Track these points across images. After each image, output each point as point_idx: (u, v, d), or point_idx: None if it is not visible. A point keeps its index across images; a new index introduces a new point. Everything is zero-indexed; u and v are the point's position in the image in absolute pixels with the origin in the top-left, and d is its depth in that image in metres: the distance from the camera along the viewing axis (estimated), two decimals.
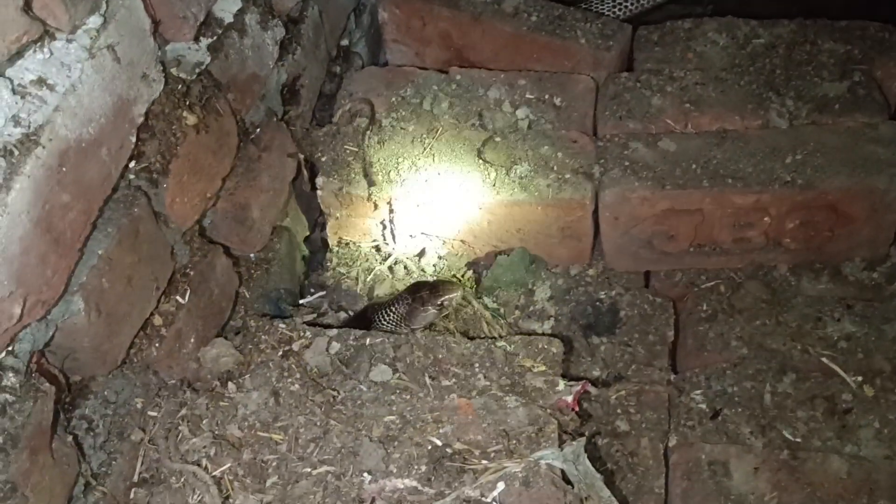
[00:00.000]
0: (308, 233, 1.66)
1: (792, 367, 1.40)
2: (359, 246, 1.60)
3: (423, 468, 1.06)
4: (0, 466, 0.89)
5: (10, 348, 0.93)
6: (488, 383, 1.18)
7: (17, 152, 0.91)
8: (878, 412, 1.32)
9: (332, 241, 1.61)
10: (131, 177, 1.13)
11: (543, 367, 1.20)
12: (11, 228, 0.89)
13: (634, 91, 1.58)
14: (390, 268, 1.57)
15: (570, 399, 1.16)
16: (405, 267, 1.57)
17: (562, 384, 1.17)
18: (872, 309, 1.44)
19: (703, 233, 1.50)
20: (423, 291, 1.29)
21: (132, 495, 1.09)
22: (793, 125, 1.48)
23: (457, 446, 1.09)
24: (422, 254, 1.59)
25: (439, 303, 1.26)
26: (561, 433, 1.13)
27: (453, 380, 1.18)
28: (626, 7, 1.94)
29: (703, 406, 1.38)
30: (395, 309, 1.28)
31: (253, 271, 1.46)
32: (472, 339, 1.26)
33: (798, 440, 1.31)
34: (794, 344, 1.42)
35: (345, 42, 1.84)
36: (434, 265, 1.58)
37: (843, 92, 1.51)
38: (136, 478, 1.10)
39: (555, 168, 1.47)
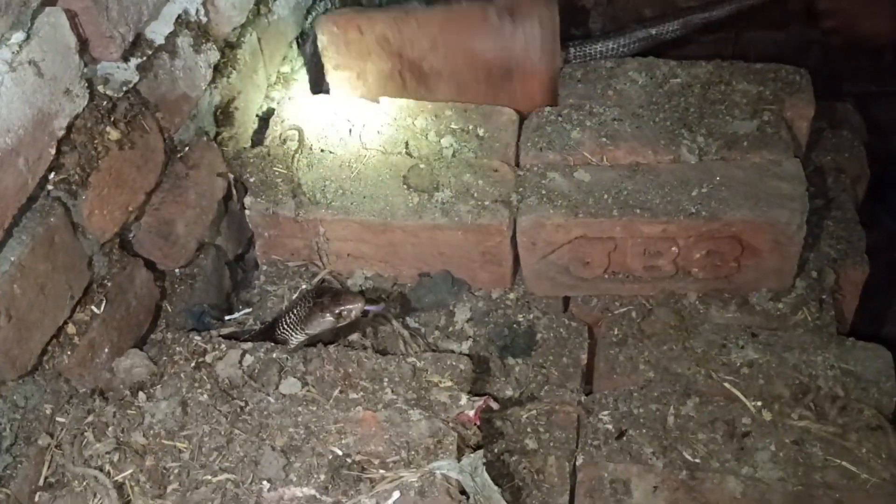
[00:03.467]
0: (239, 251, 1.70)
1: (696, 391, 1.46)
2: (287, 265, 1.64)
3: (322, 477, 1.09)
4: None
5: None
6: (395, 397, 1.21)
7: None
8: (775, 436, 1.38)
9: (260, 260, 1.65)
10: (49, 188, 1.17)
11: (450, 383, 1.24)
12: None
13: (556, 124, 1.64)
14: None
15: (472, 413, 1.20)
16: (329, 286, 1.61)
17: (464, 398, 1.21)
18: (776, 338, 1.50)
19: (616, 260, 1.55)
20: (325, 297, 1.30)
21: (37, 498, 1.10)
22: (702, 160, 1.55)
23: (357, 457, 1.12)
24: (349, 275, 1.63)
25: (338, 311, 1.27)
26: (461, 446, 1.17)
27: (361, 393, 1.22)
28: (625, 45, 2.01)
29: (610, 426, 1.43)
30: (296, 311, 1.30)
31: (177, 286, 1.48)
32: (384, 355, 1.30)
33: (697, 461, 1.36)
34: (699, 369, 1.48)
35: (285, 69, 1.89)
36: (361, 285, 1.62)
37: (752, 130, 1.59)
38: (41, 482, 1.12)
39: (475, 195, 1.52)
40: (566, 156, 1.59)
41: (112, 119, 1.27)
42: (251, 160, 1.59)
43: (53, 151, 1.15)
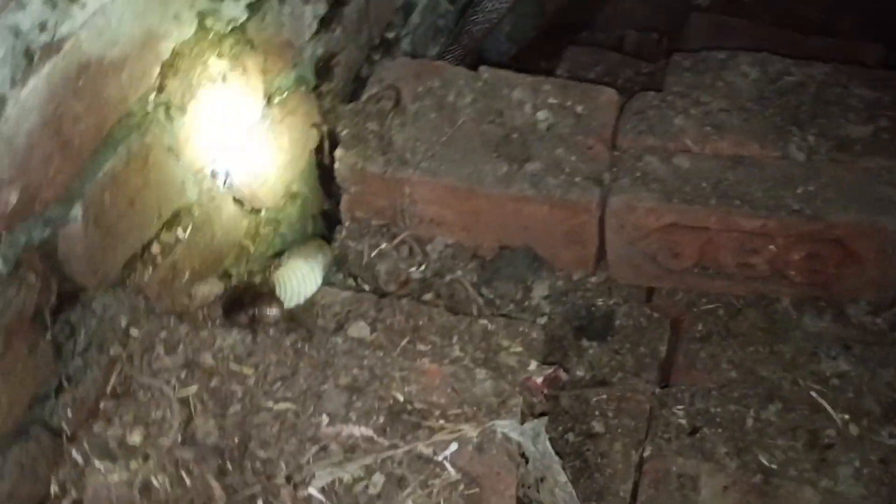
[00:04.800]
0: (325, 206, 1.71)
1: (779, 396, 1.38)
2: (369, 223, 1.63)
3: (381, 419, 1.08)
4: None
5: (3, 237, 0.98)
6: (462, 355, 1.19)
7: (37, 55, 0.96)
8: (861, 452, 1.29)
9: (344, 216, 1.65)
10: (150, 108, 1.19)
11: (520, 349, 1.21)
12: (20, 122, 0.94)
13: (659, 110, 1.59)
14: (396, 247, 1.59)
15: (539, 380, 1.16)
16: (410, 249, 1.59)
17: (533, 364, 1.17)
18: (871, 352, 1.41)
19: (707, 254, 1.49)
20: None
21: (101, 405, 1.12)
22: (811, 159, 1.48)
23: (417, 405, 1.10)
24: (430, 240, 1.61)
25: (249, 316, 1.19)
26: (525, 412, 1.13)
27: (429, 346, 1.20)
28: None
29: (684, 422, 1.36)
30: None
31: (262, 228, 1.50)
32: (455, 314, 1.28)
33: (773, 467, 1.29)
34: (785, 374, 1.40)
35: (390, 35, 1.90)
36: (440, 252, 1.60)
37: (866, 135, 1.50)
38: (108, 389, 1.14)
39: (566, 170, 1.49)
40: (666, 141, 1.54)
41: (217, 52, 1.29)
42: (346, 114, 1.60)
43: (157, 73, 1.17)
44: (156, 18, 1.15)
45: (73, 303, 1.12)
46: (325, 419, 1.08)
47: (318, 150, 1.63)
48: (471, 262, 1.60)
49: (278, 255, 1.49)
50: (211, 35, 1.28)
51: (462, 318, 1.25)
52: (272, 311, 1.21)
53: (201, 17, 1.26)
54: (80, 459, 1.07)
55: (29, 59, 0.95)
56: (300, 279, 1.36)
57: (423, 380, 1.13)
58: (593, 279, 1.58)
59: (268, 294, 1.26)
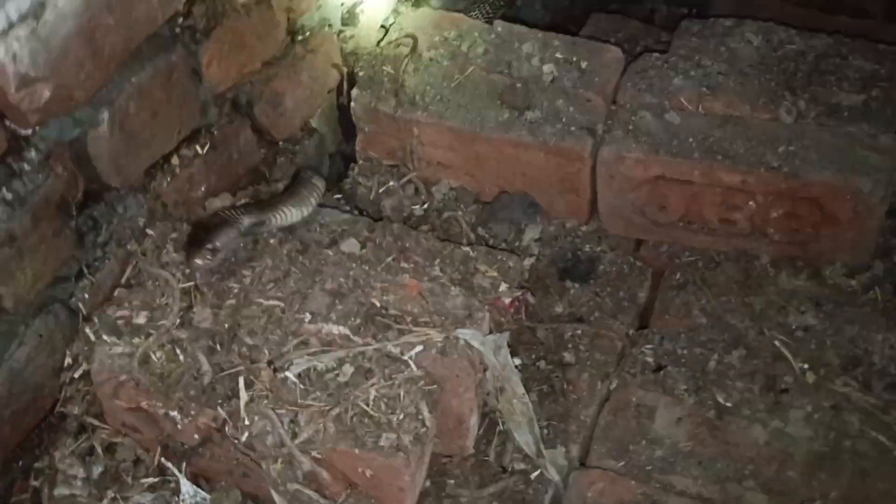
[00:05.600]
0: (342, 148, 1.82)
1: (744, 343, 1.46)
2: (381, 163, 1.75)
3: (358, 322, 1.19)
4: (4, 216, 1.08)
5: (36, 129, 1.12)
6: (441, 274, 1.29)
7: None
8: (814, 399, 1.37)
9: (358, 155, 1.76)
10: (176, 30, 1.31)
11: (495, 274, 1.31)
12: (56, 26, 1.07)
13: (660, 70, 1.66)
14: (403, 185, 1.71)
15: (507, 301, 1.26)
16: (416, 189, 1.70)
17: (504, 286, 1.27)
18: (840, 310, 1.48)
19: (692, 209, 1.57)
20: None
21: (115, 293, 1.26)
22: (798, 123, 1.54)
23: (392, 311, 1.21)
24: (436, 182, 1.72)
25: (210, 247, 1.21)
26: (493, 328, 1.23)
27: (412, 265, 1.31)
28: None
29: (650, 360, 1.46)
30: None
31: (279, 157, 1.62)
32: (442, 241, 1.38)
33: (728, 405, 1.37)
34: (753, 324, 1.48)
35: None
36: (444, 194, 1.71)
37: (857, 103, 1.55)
38: (123, 280, 1.28)
39: (564, 120, 1.58)
40: (662, 99, 1.61)
41: None
42: (364, 57, 1.71)
43: None
44: None
45: (97, 200, 1.26)
46: (307, 317, 1.20)
47: (339, 91, 1.75)
48: (472, 206, 1.70)
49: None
50: None
51: (447, 244, 1.36)
52: (219, 243, 1.24)
53: None
54: (91, 336, 1.21)
55: None
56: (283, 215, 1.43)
57: (401, 291, 1.25)
58: (585, 228, 1.67)
59: (227, 226, 1.26)
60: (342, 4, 1.72)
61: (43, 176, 1.13)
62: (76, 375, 1.21)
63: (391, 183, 1.72)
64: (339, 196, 1.71)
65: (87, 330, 1.21)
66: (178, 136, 1.36)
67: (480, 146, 1.63)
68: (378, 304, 1.21)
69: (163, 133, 1.32)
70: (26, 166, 1.11)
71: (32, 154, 1.12)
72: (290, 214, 1.35)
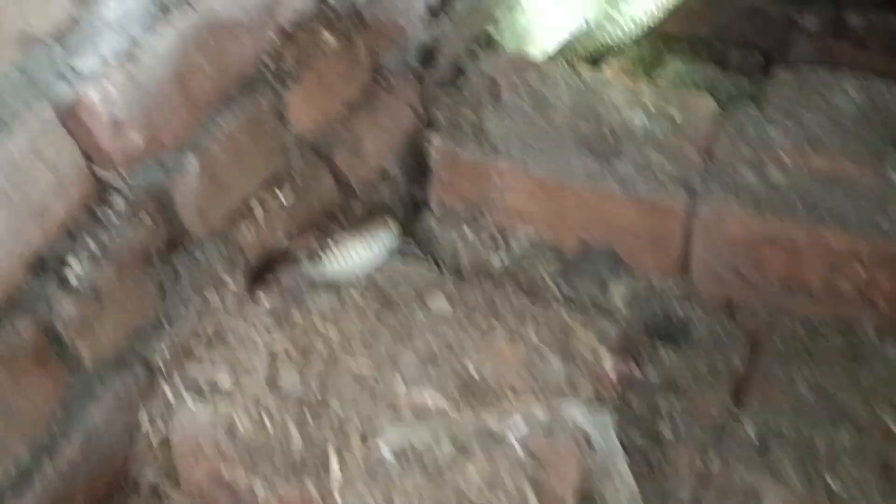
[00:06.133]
0: (413, 190, 1.75)
1: (855, 423, 1.35)
2: (455, 210, 1.67)
3: (454, 390, 1.11)
4: (90, 268, 1.01)
5: (125, 175, 1.05)
6: (536, 339, 1.21)
7: (173, 10, 1.04)
8: None
9: (431, 200, 1.69)
10: (265, 73, 1.25)
11: (595, 341, 1.22)
12: (153, 69, 1.01)
13: (757, 122, 1.58)
14: (480, 234, 1.63)
15: (612, 373, 1.18)
16: (493, 238, 1.63)
17: (608, 357, 1.18)
18: None
19: (793, 271, 1.48)
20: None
21: (194, 347, 1.19)
22: None
23: (490, 381, 1.13)
24: (513, 231, 1.64)
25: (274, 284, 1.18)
26: (595, 402, 1.15)
27: (505, 328, 1.22)
28: None
29: (754, 437, 1.35)
30: None
31: (353, 201, 1.55)
32: (533, 301, 1.30)
33: (841, 492, 1.27)
34: (862, 401, 1.37)
35: (493, 31, 1.94)
36: (521, 243, 1.63)
37: None
38: (202, 333, 1.20)
39: (656, 172, 1.50)
40: (761, 153, 1.53)
41: (332, 27, 1.35)
42: (444, 100, 1.64)
43: (276, 41, 1.24)
44: None
45: (178, 248, 1.19)
46: (400, 384, 1.11)
47: (414, 133, 1.68)
48: (551, 258, 1.62)
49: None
50: (328, 9, 1.33)
51: (539, 305, 1.27)
52: (284, 280, 1.20)
53: None
54: (171, 396, 1.13)
55: (164, 10, 1.02)
56: (349, 253, 1.36)
57: (497, 358, 1.16)
58: (673, 286, 1.58)
59: (293, 261, 1.25)
60: (422, 45, 1.66)
61: (130, 225, 1.06)
62: (152, 438, 1.13)
63: (467, 231, 1.64)
64: (411, 242, 1.64)
65: (166, 389, 1.14)
66: (262, 182, 1.29)
67: (565, 196, 1.55)
68: (474, 372, 1.13)
69: (247, 179, 1.26)
70: (113, 215, 1.04)
71: (120, 202, 1.05)
72: (358, 255, 1.28)
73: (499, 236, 1.64)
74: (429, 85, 1.69)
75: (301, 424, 1.06)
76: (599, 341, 1.22)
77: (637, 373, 1.21)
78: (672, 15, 2.43)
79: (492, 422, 1.07)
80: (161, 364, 1.16)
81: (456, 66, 1.81)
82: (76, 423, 1.06)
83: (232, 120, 1.19)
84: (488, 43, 1.92)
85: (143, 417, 1.14)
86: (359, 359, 1.14)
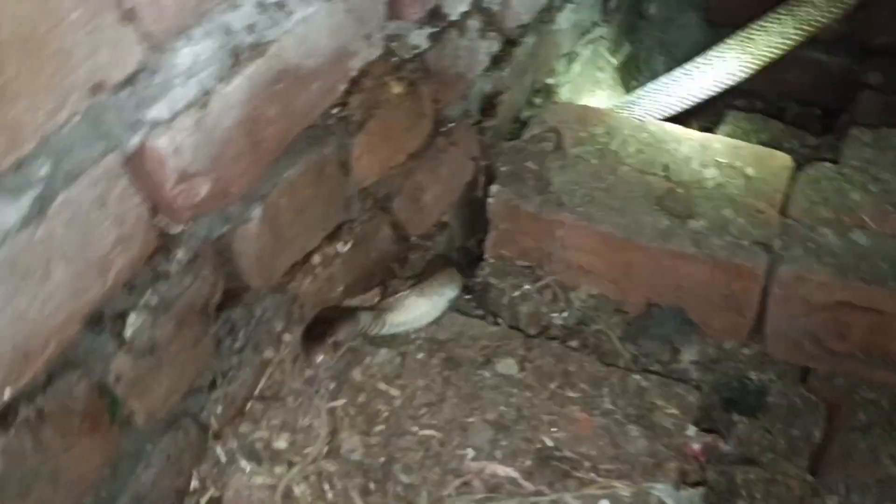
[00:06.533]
0: (467, 241, 1.69)
1: None
2: (514, 263, 1.60)
3: (528, 463, 1.03)
4: (148, 323, 0.95)
5: (186, 227, 1.00)
6: (613, 408, 1.13)
7: (244, 55, 1.00)
8: None
9: (488, 253, 1.63)
10: (330, 122, 1.21)
11: (675, 411, 1.14)
12: (221, 116, 0.97)
13: (835, 182, 1.51)
14: (539, 291, 1.56)
15: (697, 447, 1.09)
16: (554, 294, 1.56)
17: (692, 430, 1.10)
18: None
19: (876, 340, 1.38)
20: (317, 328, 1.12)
21: (248, 406, 1.12)
22: None
23: (567, 453, 1.05)
24: (574, 288, 1.57)
25: (332, 342, 1.09)
26: (680, 477, 1.06)
27: (578, 394, 1.15)
28: None
29: None
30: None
31: (410, 254, 1.49)
32: (606, 365, 1.22)
33: None
34: None
35: (551, 81, 1.90)
36: (583, 301, 1.56)
37: None
38: (257, 392, 1.14)
39: (733, 232, 1.42)
40: (842, 215, 1.45)
41: (398, 76, 1.31)
42: (506, 151, 1.59)
43: (343, 88, 1.20)
44: (350, 36, 1.17)
45: (236, 302, 1.14)
46: (469, 453, 1.04)
47: (472, 184, 1.63)
48: (614, 316, 1.54)
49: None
50: (394, 58, 1.29)
51: (613, 370, 1.20)
52: (342, 337, 1.13)
53: (388, 40, 1.28)
54: (223, 457, 1.07)
55: (235, 58, 0.98)
56: (414, 309, 1.29)
57: (572, 428, 1.08)
58: (745, 350, 1.49)
59: (352, 318, 1.17)
60: (483, 95, 1.61)
61: (190, 278, 1.01)
62: (202, 502, 1.06)
63: (526, 286, 1.57)
64: (468, 297, 1.57)
65: (218, 449, 1.07)
66: (322, 233, 1.24)
67: (633, 254, 1.48)
68: (550, 443, 1.05)
69: (308, 230, 1.20)
70: (174, 267, 0.99)
71: (181, 254, 1.00)
72: (417, 307, 1.22)
73: (560, 292, 1.56)
74: (489, 135, 1.64)
75: (364, 493, 0.99)
76: (680, 411, 1.14)
77: (723, 446, 1.12)
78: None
79: (570, 497, 0.99)
80: (214, 423, 1.10)
81: (516, 117, 1.77)
82: (124, 485, 0.99)
83: (296, 170, 1.14)
84: (547, 93, 1.88)
85: (194, 479, 1.07)
86: (424, 423, 1.07)
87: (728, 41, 1.94)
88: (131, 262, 0.92)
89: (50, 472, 0.88)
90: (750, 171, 1.53)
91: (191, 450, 1.08)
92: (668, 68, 2.17)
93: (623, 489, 0.99)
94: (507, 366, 1.16)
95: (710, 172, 1.52)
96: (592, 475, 1.01)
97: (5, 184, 0.74)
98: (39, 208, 0.78)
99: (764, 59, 1.92)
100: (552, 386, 1.14)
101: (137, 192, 0.90)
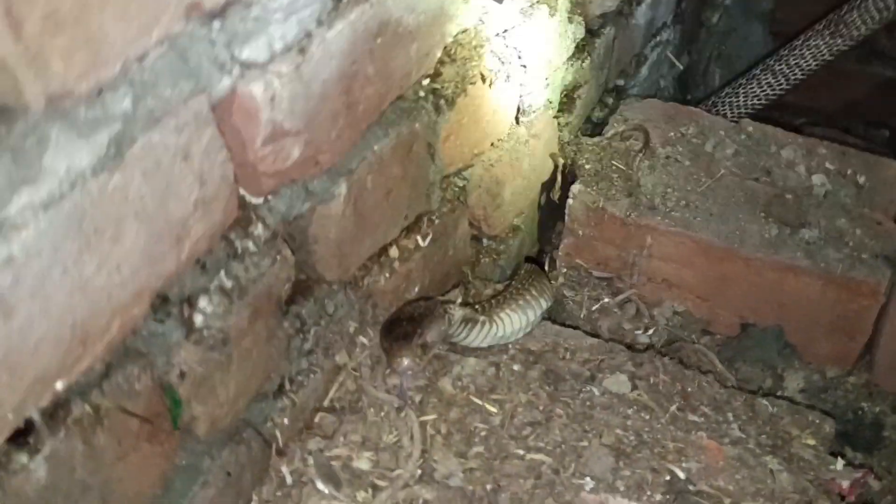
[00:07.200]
0: (537, 247, 1.54)
1: None
2: (590, 273, 1.45)
3: (658, 497, 0.87)
4: (221, 310, 0.79)
5: (267, 199, 0.84)
6: (744, 436, 0.97)
7: (348, 1, 0.84)
8: None
9: (561, 261, 1.47)
10: (422, 93, 1.06)
11: (813, 441, 0.98)
12: (320, 66, 0.82)
13: None
14: (620, 305, 1.40)
15: (846, 484, 0.93)
16: (637, 310, 1.40)
17: (840, 464, 0.94)
18: None
19: None
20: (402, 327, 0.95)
21: (317, 419, 0.95)
22: None
23: (703, 487, 0.88)
24: (657, 304, 1.42)
25: (420, 343, 0.92)
26: None
27: (702, 419, 0.98)
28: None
29: None
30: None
31: (482, 256, 1.34)
32: (726, 387, 1.06)
33: None
34: None
35: (622, 82, 1.76)
36: (668, 318, 1.40)
37: None
38: (326, 402, 0.97)
39: (850, 244, 1.27)
40: None
41: (489, 50, 1.16)
42: (589, 147, 1.44)
43: (438, 55, 1.05)
44: None
45: (306, 295, 0.97)
46: (588, 483, 0.87)
47: (547, 184, 1.48)
48: (703, 337, 1.39)
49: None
50: (485, 32, 1.15)
51: (736, 393, 1.04)
52: (431, 338, 0.96)
53: (482, 10, 1.13)
54: (289, 478, 0.90)
55: (337, 1, 0.83)
56: (512, 318, 1.14)
57: (702, 458, 0.92)
58: (852, 379, 1.34)
59: (436, 316, 0.99)
60: (564, 86, 1.47)
61: (268, 261, 0.85)
62: None
63: (605, 299, 1.42)
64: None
65: (284, 469, 0.90)
66: (405, 223, 1.08)
67: (732, 265, 1.32)
68: (681, 475, 0.89)
69: (391, 217, 1.05)
70: (251, 245, 0.83)
71: (259, 230, 0.84)
72: (518, 320, 1.06)
73: (642, 307, 1.41)
74: (567, 131, 1.49)
75: None
76: (819, 442, 0.98)
77: (874, 482, 0.96)
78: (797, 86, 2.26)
79: None
80: (279, 437, 0.93)
81: (588, 116, 1.62)
82: None
83: (387, 145, 0.98)
84: (618, 94, 1.74)
85: (254, 502, 0.90)
86: (531, 446, 0.90)
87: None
88: (210, 233, 0.76)
89: (100, 486, 0.71)
90: (861, 179, 1.38)
91: (253, 467, 0.91)
92: (726, 82, 2.05)
93: None
94: (619, 383, 1.00)
95: (818, 179, 1.37)
96: None
97: (80, 115, 0.59)
98: (116, 151, 0.62)
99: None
100: (672, 408, 0.98)
101: (225, 148, 0.74)
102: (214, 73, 0.72)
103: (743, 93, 1.77)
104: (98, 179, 0.61)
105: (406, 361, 0.91)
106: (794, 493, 0.89)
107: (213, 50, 0.71)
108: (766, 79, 1.74)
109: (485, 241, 1.35)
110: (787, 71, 1.72)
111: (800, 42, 1.74)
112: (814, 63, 1.69)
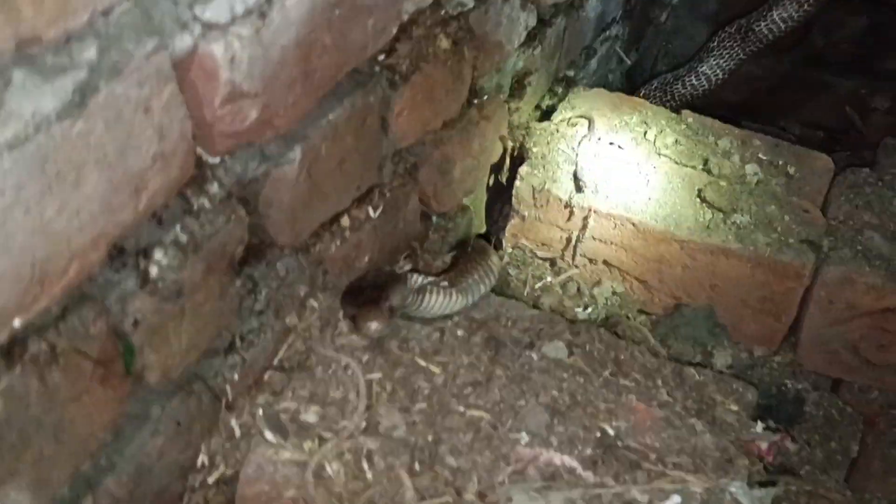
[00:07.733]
0: (484, 227, 1.59)
1: None
2: (534, 254, 1.51)
3: (589, 451, 0.92)
4: (176, 263, 0.82)
5: (224, 159, 0.88)
6: (671, 400, 1.03)
7: None
8: None
9: (506, 241, 1.53)
10: (377, 68, 1.10)
11: (736, 407, 1.05)
12: (279, 32, 0.85)
13: (875, 187, 1.46)
14: (562, 284, 1.46)
15: (764, 446, 1.00)
16: (578, 289, 1.46)
17: (759, 426, 1.01)
18: None
19: None
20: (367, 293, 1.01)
21: (267, 377, 0.99)
22: None
23: (630, 443, 0.94)
24: (596, 284, 1.48)
25: (388, 306, 0.98)
26: (750, 475, 0.96)
27: (633, 383, 1.04)
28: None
29: None
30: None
31: (432, 233, 1.38)
32: (655, 355, 1.12)
33: None
34: None
35: (571, 73, 1.82)
36: (607, 298, 1.46)
37: None
38: (276, 361, 1.00)
39: (778, 229, 1.35)
40: (886, 220, 1.39)
41: (445, 31, 1.21)
42: (537, 131, 1.50)
43: (394, 32, 1.09)
44: None
45: (258, 258, 1.01)
46: (524, 437, 0.92)
47: (496, 166, 1.53)
48: (639, 316, 1.46)
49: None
50: (443, 12, 1.19)
51: (666, 362, 1.10)
52: (396, 302, 1.02)
53: None
54: (238, 431, 0.93)
55: None
56: (467, 290, 1.19)
57: (631, 417, 0.98)
58: (777, 359, 1.42)
59: (397, 281, 1.06)
60: (515, 72, 1.52)
61: (223, 219, 0.88)
62: (210, 479, 0.92)
63: (548, 279, 1.47)
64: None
65: (233, 422, 0.93)
66: (356, 193, 1.12)
67: (668, 247, 1.39)
68: (611, 432, 0.94)
69: (343, 186, 1.08)
70: (206, 203, 0.86)
71: (215, 188, 0.87)
72: (465, 297, 1.11)
73: (583, 286, 1.47)
74: (517, 116, 1.54)
75: (410, 473, 0.86)
76: (741, 408, 1.04)
77: (790, 445, 1.03)
78: (731, 84, 2.35)
79: (636, 491, 0.88)
80: (228, 392, 0.96)
81: (538, 104, 1.68)
82: (126, 451, 0.85)
83: (341, 114, 1.02)
84: (567, 84, 1.80)
85: (202, 455, 0.93)
86: (471, 403, 0.95)
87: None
88: (167, 187, 0.79)
89: (54, 424, 0.73)
90: (791, 170, 1.46)
91: (202, 419, 0.94)
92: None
93: (696, 485, 0.89)
94: (556, 349, 1.06)
95: (752, 168, 1.45)
96: (660, 467, 0.91)
97: (47, 61, 0.61)
98: (80, 99, 0.65)
99: None
100: (605, 373, 1.04)
101: (184, 104, 0.77)
102: (177, 32, 0.75)
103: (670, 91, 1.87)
104: (62, 125, 0.64)
105: (375, 325, 0.95)
106: (716, 451, 0.95)
107: (176, 9, 0.74)
108: (690, 80, 1.83)
109: (434, 217, 1.40)
110: (709, 72, 1.82)
111: (715, 44, 1.86)
112: (733, 63, 1.81)
